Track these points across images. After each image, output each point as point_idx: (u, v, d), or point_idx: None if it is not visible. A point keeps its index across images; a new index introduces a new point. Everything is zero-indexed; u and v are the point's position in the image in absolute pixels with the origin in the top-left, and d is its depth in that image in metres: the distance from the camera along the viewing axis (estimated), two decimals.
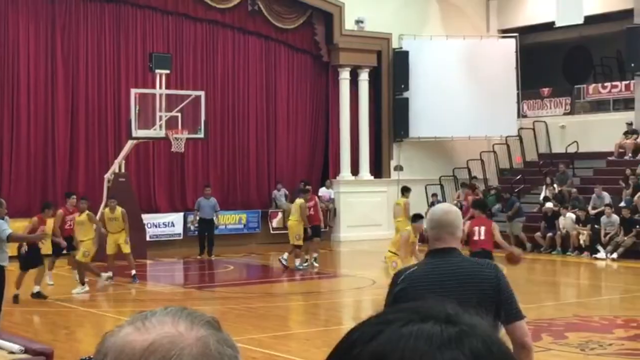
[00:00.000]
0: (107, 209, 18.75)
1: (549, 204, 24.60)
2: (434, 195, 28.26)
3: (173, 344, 1.14)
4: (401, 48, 29.25)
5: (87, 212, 17.28)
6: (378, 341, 1.07)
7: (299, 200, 20.81)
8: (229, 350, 1.18)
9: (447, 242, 4.42)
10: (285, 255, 20.50)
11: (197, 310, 1.22)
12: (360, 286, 18.34)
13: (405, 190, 21.52)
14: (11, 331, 10.35)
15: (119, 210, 18.27)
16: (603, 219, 23.09)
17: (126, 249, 18.08)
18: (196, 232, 24.33)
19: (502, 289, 4.30)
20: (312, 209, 20.67)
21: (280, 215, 27.28)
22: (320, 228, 21.32)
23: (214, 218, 23.55)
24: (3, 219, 12.42)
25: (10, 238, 12.00)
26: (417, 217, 13.95)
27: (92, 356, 1.26)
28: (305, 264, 20.54)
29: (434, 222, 4.46)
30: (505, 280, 4.39)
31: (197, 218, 23.64)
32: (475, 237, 12.92)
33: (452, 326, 1.08)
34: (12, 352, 7.36)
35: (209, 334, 1.18)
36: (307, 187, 22.22)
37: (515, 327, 4.32)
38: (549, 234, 24.01)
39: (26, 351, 7.38)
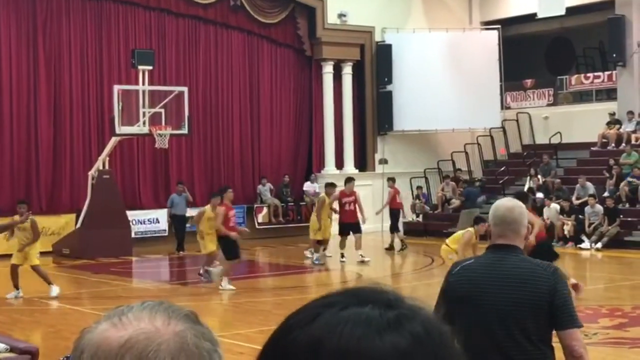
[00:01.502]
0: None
1: (540, 195, 24.55)
2: (419, 187, 28.35)
3: (150, 340, 1.13)
4: (384, 41, 29.27)
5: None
6: (315, 324, 1.06)
7: (322, 196, 20.87)
8: (207, 344, 1.16)
9: (509, 239, 4.32)
10: (309, 252, 20.55)
11: (175, 304, 1.20)
12: (346, 280, 18.37)
13: (327, 186, 21.23)
14: None
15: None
16: (587, 209, 23.18)
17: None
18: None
19: (557, 294, 4.17)
20: (351, 205, 20.32)
21: (265, 210, 27.28)
22: (356, 224, 20.41)
23: (187, 215, 23.59)
24: None
25: None
26: (478, 220, 13.92)
27: (68, 355, 1.24)
28: (316, 260, 20.22)
29: (497, 219, 4.36)
30: (564, 286, 4.27)
31: (171, 214, 23.76)
32: None
33: (391, 310, 1.07)
34: None
35: (186, 327, 1.16)
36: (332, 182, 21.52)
37: (567, 335, 4.18)
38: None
39: (11, 350, 7.35)
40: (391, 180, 23.36)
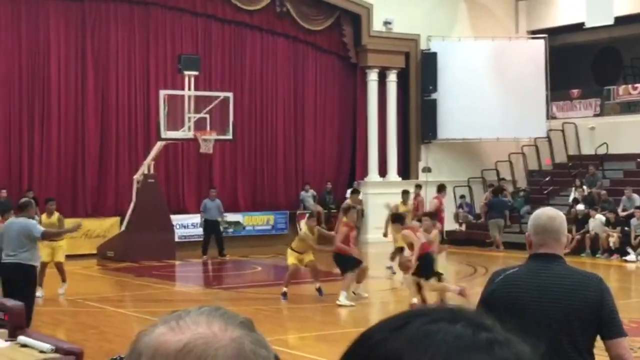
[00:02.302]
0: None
1: (580, 206, 24.43)
2: (462, 197, 28.23)
3: (207, 344, 1.13)
4: (429, 49, 29.20)
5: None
6: (400, 334, 1.02)
7: (395, 204, 20.46)
8: (263, 351, 1.17)
9: (552, 248, 4.30)
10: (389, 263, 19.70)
11: (231, 311, 1.21)
12: (387, 288, 18.34)
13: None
14: (42, 331, 10.46)
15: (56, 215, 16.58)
16: (633, 221, 22.92)
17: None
18: (224, 234, 24.64)
19: (605, 303, 4.21)
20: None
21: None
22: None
23: (220, 219, 23.77)
24: (33, 218, 12.58)
25: (45, 235, 12.29)
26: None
27: (122, 356, 1.27)
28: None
29: (539, 228, 4.32)
30: (610, 295, 4.28)
31: (203, 220, 23.83)
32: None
33: (484, 332, 1.01)
34: (42, 352, 7.45)
35: (243, 334, 1.16)
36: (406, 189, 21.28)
37: (616, 344, 4.21)
38: (578, 237, 23.86)
39: (56, 350, 7.46)
40: (419, 188, 22.14)
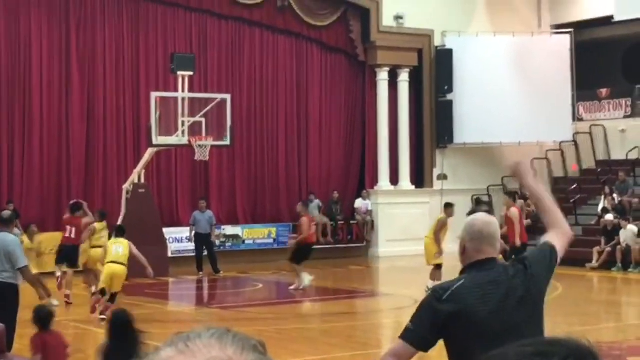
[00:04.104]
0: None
1: (609, 216, 24.36)
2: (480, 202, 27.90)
3: None
4: (444, 46, 29.18)
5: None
6: None
7: (440, 216, 19.63)
8: None
9: (487, 254, 4.51)
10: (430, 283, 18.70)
11: (242, 333, 1.21)
12: (401, 306, 18.24)
13: (447, 206, 20.26)
14: (24, 355, 10.39)
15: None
16: None
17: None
18: (221, 248, 24.63)
19: (535, 261, 4.55)
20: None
21: (313, 228, 27.23)
22: None
23: (211, 232, 23.80)
24: (13, 233, 12.47)
25: (23, 272, 11.75)
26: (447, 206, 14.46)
27: None
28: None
29: (475, 234, 4.53)
30: (533, 252, 4.72)
31: (193, 233, 23.78)
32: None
33: None
34: None
35: (256, 358, 1.17)
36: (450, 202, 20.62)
37: (547, 236, 4.74)
38: (608, 249, 23.77)
39: None
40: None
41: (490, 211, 26.88)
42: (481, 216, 4.83)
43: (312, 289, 20.57)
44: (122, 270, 16.16)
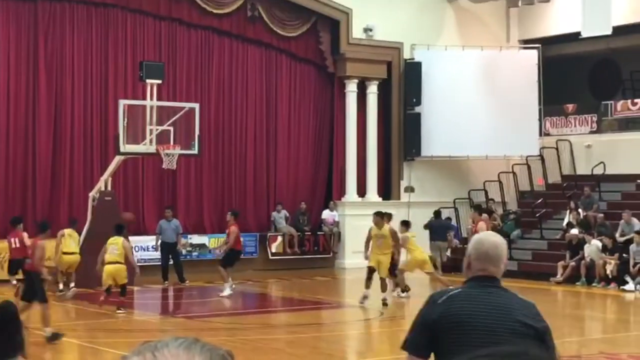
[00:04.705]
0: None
1: (574, 231, 24.58)
2: (448, 219, 28.03)
3: None
4: (413, 59, 29.33)
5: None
6: None
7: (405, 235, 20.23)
8: None
9: (491, 273, 4.56)
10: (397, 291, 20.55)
11: (210, 343, 1.20)
12: (366, 318, 18.32)
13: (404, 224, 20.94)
14: None
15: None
16: (632, 247, 23.05)
17: None
18: (188, 257, 24.63)
19: (545, 329, 4.65)
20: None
21: (279, 239, 27.28)
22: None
23: (177, 241, 23.93)
24: None
25: None
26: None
27: None
28: (404, 294, 20.32)
29: (481, 255, 4.56)
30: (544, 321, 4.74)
31: (159, 242, 23.84)
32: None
33: None
34: None
35: None
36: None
37: None
38: (573, 263, 23.97)
39: None
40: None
41: (450, 221, 27.29)
42: (490, 237, 4.80)
43: (278, 299, 20.61)
44: (119, 267, 18.19)
